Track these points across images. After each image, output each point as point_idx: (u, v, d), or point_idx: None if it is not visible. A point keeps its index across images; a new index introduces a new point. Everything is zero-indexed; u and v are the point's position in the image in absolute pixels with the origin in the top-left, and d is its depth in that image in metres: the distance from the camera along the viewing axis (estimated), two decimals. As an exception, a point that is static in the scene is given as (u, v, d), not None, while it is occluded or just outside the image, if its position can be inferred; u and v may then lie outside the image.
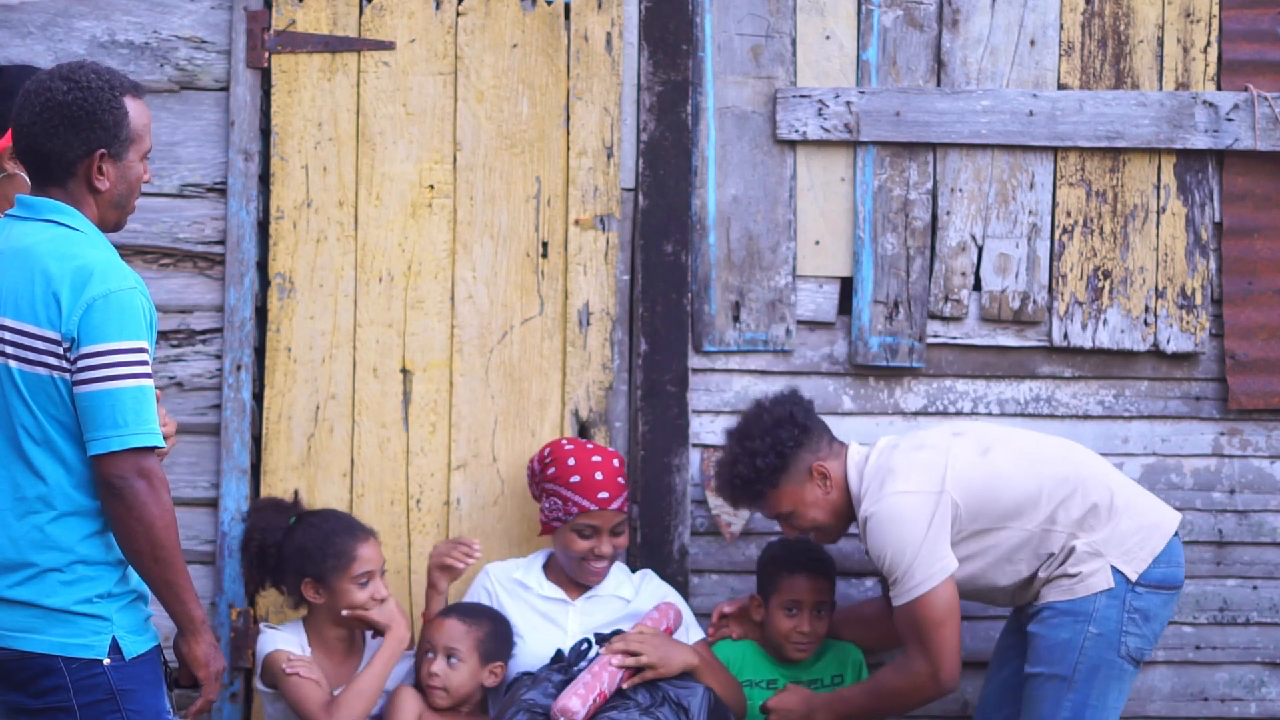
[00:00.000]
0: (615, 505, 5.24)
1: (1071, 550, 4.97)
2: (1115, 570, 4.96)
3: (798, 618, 5.30)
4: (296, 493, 5.42)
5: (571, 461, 5.27)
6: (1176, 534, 5.08)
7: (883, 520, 4.93)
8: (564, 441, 5.37)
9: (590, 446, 5.33)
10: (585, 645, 5.16)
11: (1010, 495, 4.97)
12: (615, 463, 5.29)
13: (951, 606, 4.94)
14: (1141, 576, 4.97)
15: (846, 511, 5.14)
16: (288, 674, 5.08)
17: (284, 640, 5.16)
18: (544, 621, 5.29)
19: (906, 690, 5.04)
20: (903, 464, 5.00)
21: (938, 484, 4.94)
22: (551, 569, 5.38)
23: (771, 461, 5.10)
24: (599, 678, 5.01)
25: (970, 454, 5.01)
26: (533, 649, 5.22)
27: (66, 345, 3.91)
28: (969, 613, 5.26)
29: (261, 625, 5.26)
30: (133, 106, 4.05)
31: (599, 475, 5.24)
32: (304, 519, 5.26)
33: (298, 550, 5.17)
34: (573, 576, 5.33)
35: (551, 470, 5.29)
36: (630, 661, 5.07)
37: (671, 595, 5.40)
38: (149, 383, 3.94)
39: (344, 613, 5.14)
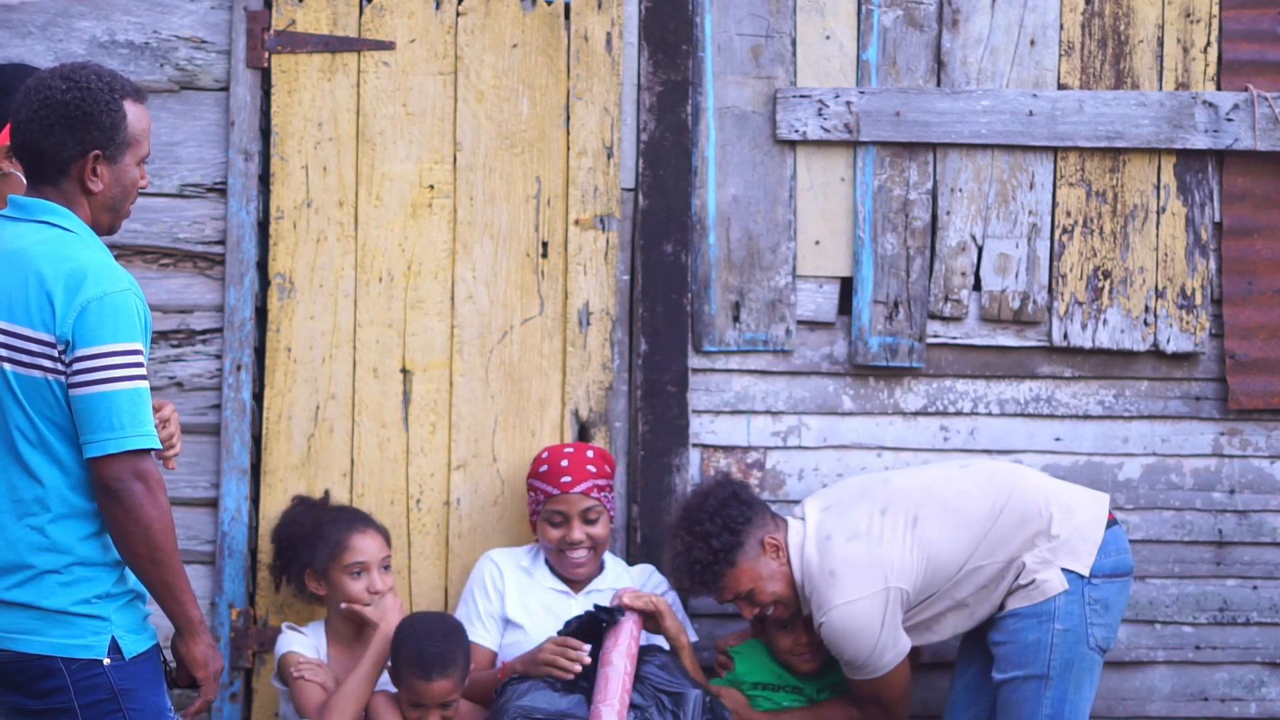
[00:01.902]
0: (580, 489, 5.25)
1: (1023, 566, 5.08)
2: (1067, 571, 5.06)
3: (794, 631, 5.30)
4: (327, 493, 5.43)
5: (545, 454, 5.34)
6: (1116, 522, 5.16)
7: (837, 629, 5.05)
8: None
9: (570, 443, 5.39)
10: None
11: (951, 560, 5.09)
12: (589, 453, 5.32)
13: (907, 680, 5.16)
14: (1094, 569, 5.07)
15: None
16: (294, 676, 5.11)
17: (300, 642, 5.18)
18: (546, 613, 5.30)
19: None
20: (842, 564, 5.06)
21: (881, 581, 5.04)
22: (552, 563, 5.40)
23: (727, 541, 5.13)
24: (612, 687, 4.98)
25: (902, 533, 5.08)
26: (534, 639, 5.22)
27: (61, 348, 3.90)
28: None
29: (284, 626, 5.26)
30: (132, 110, 4.03)
31: (564, 462, 5.28)
32: (317, 512, 5.29)
33: (300, 540, 5.22)
34: (558, 570, 5.35)
35: (530, 468, 5.37)
36: (643, 604, 5.12)
37: (668, 591, 5.41)
38: (144, 384, 3.93)
39: (341, 606, 5.16)
